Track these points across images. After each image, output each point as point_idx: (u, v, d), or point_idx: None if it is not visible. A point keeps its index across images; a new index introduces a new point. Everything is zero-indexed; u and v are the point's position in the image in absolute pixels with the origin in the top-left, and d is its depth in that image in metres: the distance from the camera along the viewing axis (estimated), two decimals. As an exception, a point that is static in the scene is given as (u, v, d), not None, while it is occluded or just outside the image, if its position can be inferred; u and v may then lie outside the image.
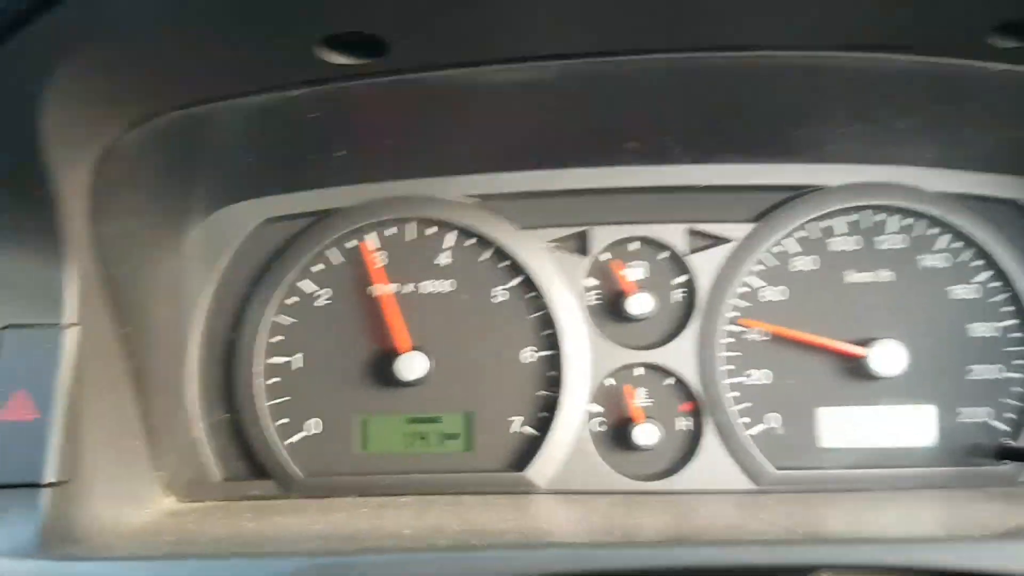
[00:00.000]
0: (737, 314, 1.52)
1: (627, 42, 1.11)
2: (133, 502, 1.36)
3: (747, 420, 1.49)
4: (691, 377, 1.50)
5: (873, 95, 1.23)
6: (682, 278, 1.54)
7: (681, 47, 1.12)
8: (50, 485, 1.17)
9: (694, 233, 1.54)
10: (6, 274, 1.23)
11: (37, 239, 1.22)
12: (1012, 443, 1.46)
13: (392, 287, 1.55)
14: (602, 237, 1.55)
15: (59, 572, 1.10)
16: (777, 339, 1.51)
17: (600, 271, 1.56)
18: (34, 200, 1.18)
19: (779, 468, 1.47)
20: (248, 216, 1.56)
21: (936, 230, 1.53)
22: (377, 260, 1.56)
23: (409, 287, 1.56)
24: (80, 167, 1.19)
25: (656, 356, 1.51)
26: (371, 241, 1.57)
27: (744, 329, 1.52)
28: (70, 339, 1.23)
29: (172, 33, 1.01)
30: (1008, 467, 1.45)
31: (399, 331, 1.52)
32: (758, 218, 1.53)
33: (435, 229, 1.57)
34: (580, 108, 1.29)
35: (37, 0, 0.92)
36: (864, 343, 1.48)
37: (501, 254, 1.55)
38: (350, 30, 1.02)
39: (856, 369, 1.49)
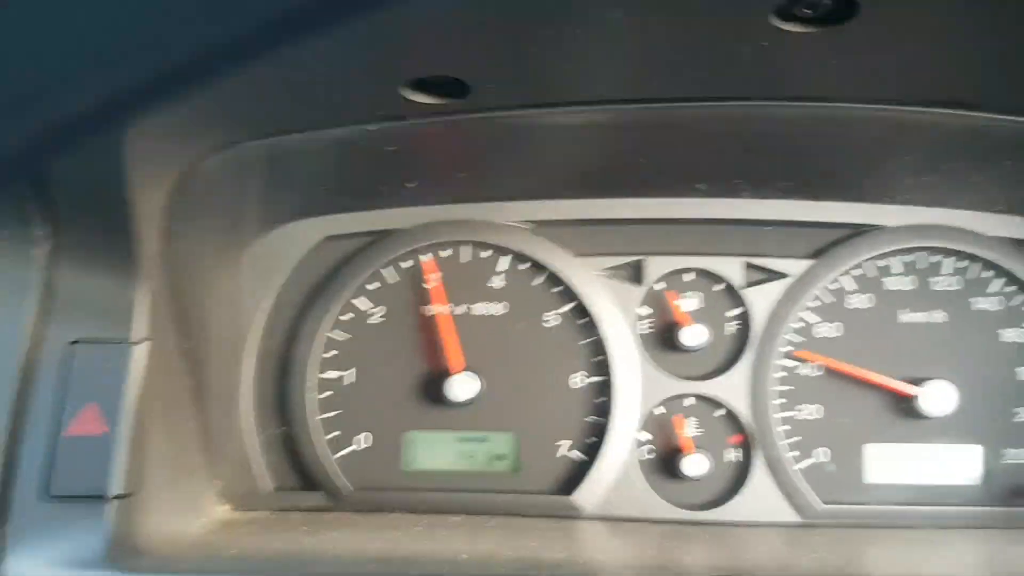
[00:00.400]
0: (791, 348, 1.53)
1: (700, 90, 1.12)
2: (191, 512, 1.39)
3: (796, 454, 1.50)
4: (742, 410, 1.51)
5: (947, 149, 1.24)
6: (737, 311, 1.55)
7: (755, 97, 1.13)
8: (117, 497, 1.20)
9: (751, 267, 1.55)
10: (77, 290, 1.26)
11: (111, 257, 1.24)
12: (1056, 487, 1.47)
13: (447, 307, 1.57)
14: (657, 267, 1.56)
15: (127, 584, 1.13)
16: (829, 375, 1.52)
17: (654, 300, 1.57)
18: (111, 220, 1.20)
19: (826, 503, 1.48)
20: (309, 233, 1.58)
21: (990, 273, 1.53)
22: (434, 279, 1.58)
23: (462, 308, 1.58)
24: (158, 189, 1.21)
25: (707, 387, 1.53)
26: (428, 261, 1.58)
27: (797, 363, 1.53)
28: (139, 354, 1.26)
29: (261, 69, 1.02)
30: (1050, 510, 1.46)
31: (453, 351, 1.53)
32: (816, 255, 1.54)
33: (490, 252, 1.59)
34: (648, 149, 1.30)
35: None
36: (915, 382, 1.49)
37: (555, 279, 1.56)
38: (436, 74, 1.04)
39: (906, 408, 1.50)
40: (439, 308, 1.57)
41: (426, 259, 1.58)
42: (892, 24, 0.92)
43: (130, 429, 1.23)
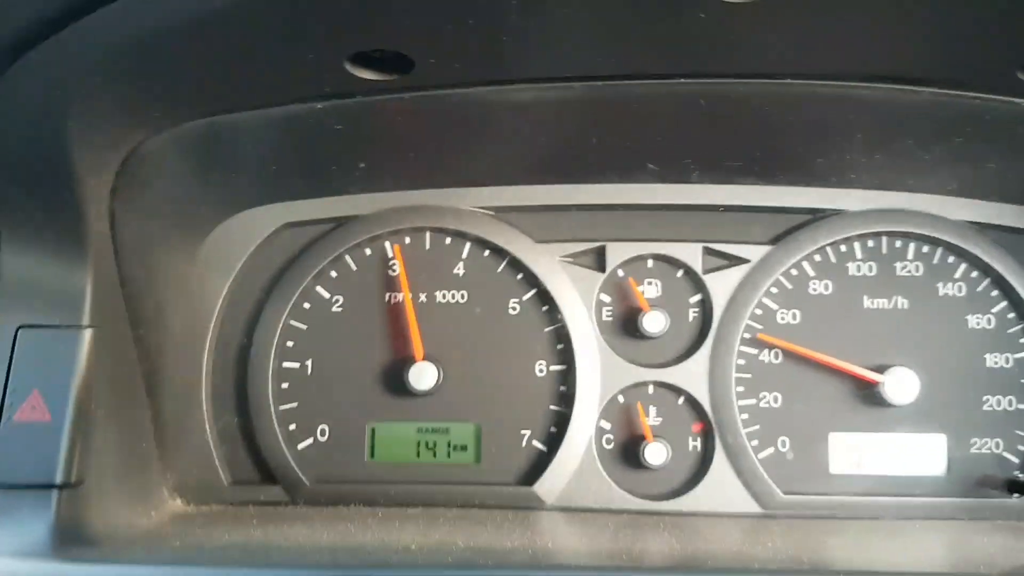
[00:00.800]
0: (752, 335, 1.51)
1: (649, 66, 1.11)
2: (142, 504, 1.36)
3: (756, 443, 1.49)
4: (703, 397, 1.49)
5: (896, 127, 1.23)
6: (697, 297, 1.54)
7: (704, 74, 1.12)
8: (62, 486, 1.18)
9: (710, 252, 1.54)
10: (22, 274, 1.24)
11: (56, 240, 1.23)
12: (1023, 477, 1.46)
13: (408, 294, 1.56)
14: (618, 253, 1.54)
15: (70, 574, 1.11)
16: (789, 363, 1.51)
17: (615, 287, 1.56)
18: (56, 202, 1.18)
19: (787, 493, 1.46)
20: (267, 220, 1.56)
21: (954, 258, 1.52)
22: (395, 266, 1.56)
23: (423, 296, 1.56)
24: (104, 171, 1.20)
25: (668, 375, 1.51)
26: (388, 249, 1.57)
27: (757, 351, 1.51)
28: (85, 341, 1.24)
29: (202, 45, 1.01)
30: (1018, 501, 1.44)
31: (416, 338, 1.52)
32: (776, 240, 1.53)
33: (451, 240, 1.57)
34: (600, 128, 1.29)
35: (69, 7, 0.92)
36: (878, 370, 1.47)
37: (516, 266, 1.55)
38: (379, 47, 1.02)
39: (868, 396, 1.48)
40: (401, 295, 1.56)
41: (389, 245, 1.57)
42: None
43: (76, 417, 1.21)
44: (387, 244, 1.58)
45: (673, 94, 1.15)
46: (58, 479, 1.18)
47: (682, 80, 1.11)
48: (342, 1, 0.93)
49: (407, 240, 1.58)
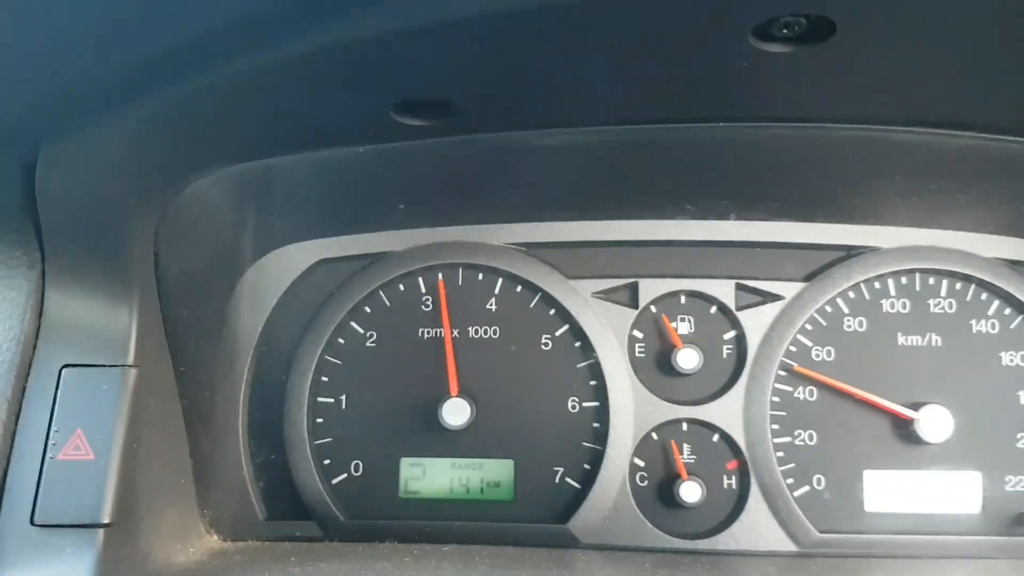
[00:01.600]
0: (785, 373, 1.51)
1: (686, 112, 1.12)
2: (180, 540, 1.37)
3: (791, 481, 1.48)
4: (738, 435, 1.49)
5: (933, 170, 1.23)
6: (731, 333, 1.54)
7: (740, 118, 1.13)
8: (105, 526, 1.19)
9: (744, 288, 1.54)
10: (67, 314, 1.26)
11: (101, 282, 1.25)
12: (1059, 515, 1.45)
13: (434, 332, 1.57)
14: (651, 289, 1.55)
15: (112, 614, 1.12)
16: (824, 400, 1.51)
17: (648, 324, 1.56)
18: (103, 244, 1.20)
19: (822, 531, 1.45)
20: (301, 257, 1.58)
21: (987, 295, 1.52)
22: (431, 302, 1.57)
23: (456, 332, 1.57)
24: (149, 214, 1.22)
25: (702, 412, 1.51)
26: (421, 284, 1.58)
27: (792, 388, 1.51)
28: (129, 380, 1.25)
29: (253, 98, 1.03)
30: (1054, 538, 1.43)
31: (452, 374, 1.52)
32: (809, 277, 1.53)
33: (483, 275, 1.58)
34: (636, 170, 1.30)
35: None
36: (912, 407, 1.47)
37: (548, 302, 1.56)
38: (424, 97, 1.04)
39: (903, 434, 1.48)
40: (436, 331, 1.57)
41: (423, 281, 1.58)
42: (870, 43, 0.92)
43: (119, 456, 1.22)
44: (420, 280, 1.59)
45: (710, 138, 1.16)
46: (102, 518, 1.19)
47: (720, 124, 1.12)
48: (390, 54, 0.95)
49: (440, 276, 1.59)
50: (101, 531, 1.19)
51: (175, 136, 1.08)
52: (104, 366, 1.25)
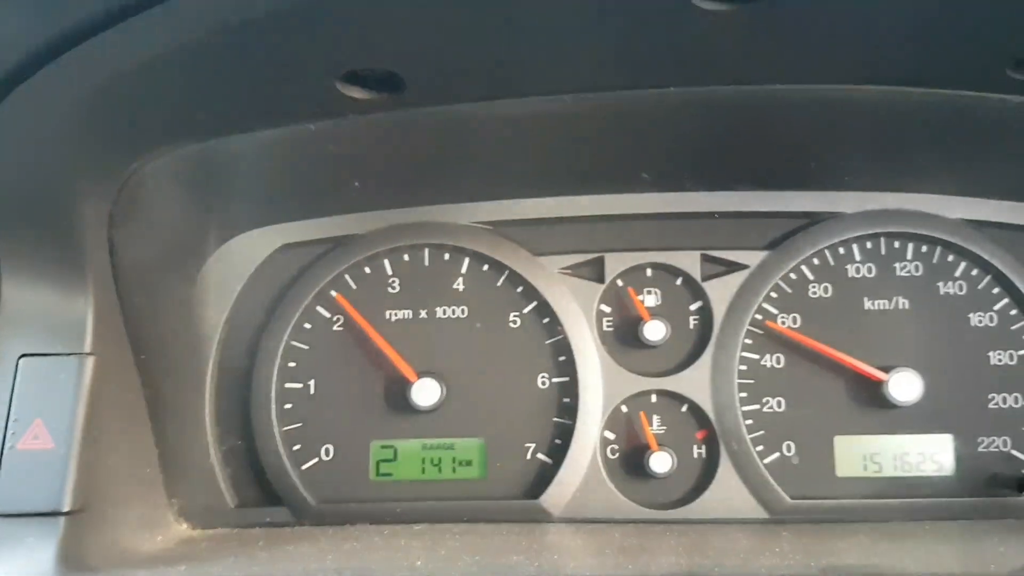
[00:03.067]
0: (751, 342, 1.51)
1: (638, 78, 1.12)
2: (147, 529, 1.36)
3: (761, 449, 1.48)
4: (706, 404, 1.49)
5: (891, 128, 1.23)
6: (697, 304, 1.54)
7: (696, 82, 1.12)
8: (67, 514, 1.18)
9: (709, 259, 1.54)
10: (23, 303, 1.25)
11: (55, 269, 1.23)
12: (1033, 474, 1.45)
13: (403, 314, 1.56)
14: (617, 263, 1.54)
15: (74, 602, 1.11)
16: (792, 367, 1.50)
17: (615, 297, 1.56)
18: (55, 231, 1.19)
19: (794, 497, 1.45)
20: (264, 243, 1.57)
21: (953, 257, 1.52)
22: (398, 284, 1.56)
23: (424, 313, 1.56)
24: (101, 197, 1.20)
25: (671, 383, 1.51)
26: (387, 267, 1.57)
27: (759, 357, 1.51)
28: (87, 368, 1.24)
29: (194, 72, 1.02)
30: (1029, 498, 1.43)
31: (409, 358, 1.52)
32: (773, 245, 1.53)
33: (449, 255, 1.57)
34: (593, 140, 1.30)
35: (65, 38, 0.93)
36: (882, 371, 1.46)
37: (515, 280, 1.55)
38: (369, 67, 1.03)
39: (872, 397, 1.47)
40: (404, 312, 1.56)
41: (388, 263, 1.57)
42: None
43: (79, 444, 1.22)
44: (386, 261, 1.58)
45: (663, 103, 1.16)
46: (63, 507, 1.18)
47: (672, 89, 1.11)
48: (333, 22, 0.94)
49: (406, 257, 1.58)
50: (63, 519, 1.18)
51: (119, 113, 1.07)
52: (61, 355, 1.24)
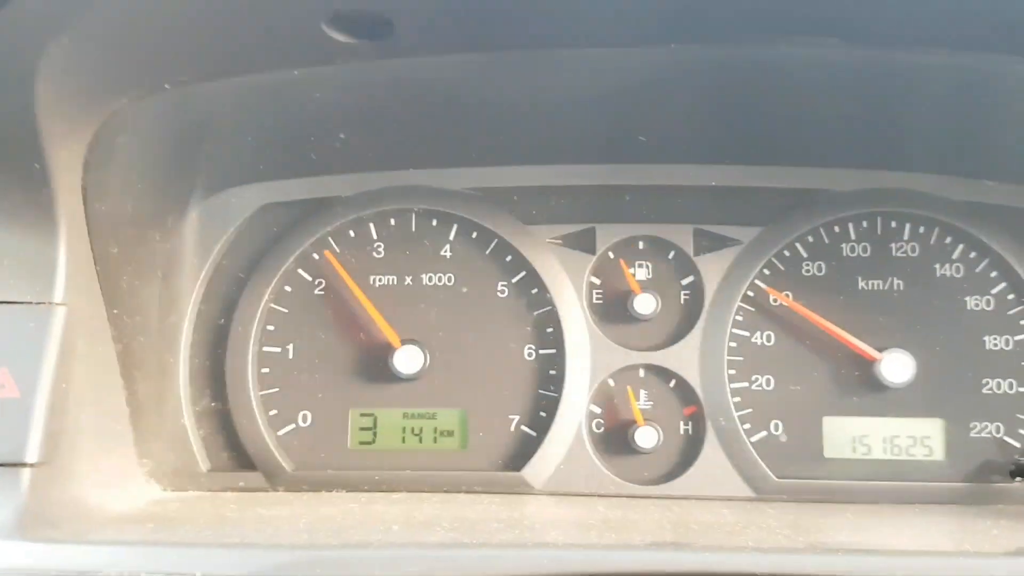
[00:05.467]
0: (742, 319, 1.48)
1: (641, 34, 1.08)
2: (115, 488, 1.32)
3: (748, 426, 1.45)
4: (694, 380, 1.46)
5: (894, 100, 1.19)
6: (689, 279, 1.51)
7: (701, 39, 1.08)
8: (31, 465, 1.14)
9: (702, 234, 1.50)
10: (-7, 249, 1.21)
11: (27, 214, 1.19)
12: (1025, 460, 1.42)
13: (387, 280, 1.52)
14: (609, 235, 1.51)
15: (38, 555, 1.06)
16: (783, 345, 1.48)
17: (605, 270, 1.52)
18: (27, 173, 1.15)
19: (780, 477, 1.42)
20: (247, 200, 1.53)
21: (951, 239, 1.49)
22: (383, 249, 1.53)
23: (409, 279, 1.53)
24: (75, 141, 1.16)
25: (659, 358, 1.48)
26: (373, 231, 1.53)
27: (749, 334, 1.48)
28: (57, 318, 1.20)
29: (175, 6, 0.98)
30: (1020, 485, 1.40)
31: (392, 325, 1.48)
32: (767, 221, 1.50)
33: (437, 221, 1.54)
34: (590, 101, 1.25)
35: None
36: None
37: (504, 248, 1.52)
38: (357, 7, 0.99)
39: (863, 378, 1.45)
40: (389, 278, 1.52)
41: (374, 227, 1.53)
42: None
43: (46, 395, 1.17)
44: (372, 225, 1.54)
45: (662, 62, 1.12)
46: (27, 458, 1.14)
47: (673, 46, 1.07)
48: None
49: (392, 221, 1.54)
50: (27, 470, 1.14)
51: (95, 52, 1.03)
52: (30, 303, 1.20)
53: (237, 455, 1.50)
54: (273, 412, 1.50)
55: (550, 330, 1.50)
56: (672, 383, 1.48)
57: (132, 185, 1.31)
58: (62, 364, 1.19)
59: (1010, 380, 1.45)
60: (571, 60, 1.14)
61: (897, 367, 1.42)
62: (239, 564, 1.03)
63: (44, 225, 1.19)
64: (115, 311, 1.32)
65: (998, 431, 1.45)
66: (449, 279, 1.53)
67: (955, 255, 1.49)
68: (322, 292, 1.53)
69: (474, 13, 1.04)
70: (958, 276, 1.48)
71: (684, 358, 1.47)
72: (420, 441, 1.50)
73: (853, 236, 1.49)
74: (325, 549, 1.03)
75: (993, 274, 1.48)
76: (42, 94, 1.06)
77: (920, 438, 1.45)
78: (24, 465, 1.14)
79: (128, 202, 1.32)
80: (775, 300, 1.48)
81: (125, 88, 1.14)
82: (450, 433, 1.50)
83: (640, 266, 1.52)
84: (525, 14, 1.05)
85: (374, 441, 1.50)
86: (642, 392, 1.49)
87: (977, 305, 1.48)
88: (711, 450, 1.44)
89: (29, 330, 1.19)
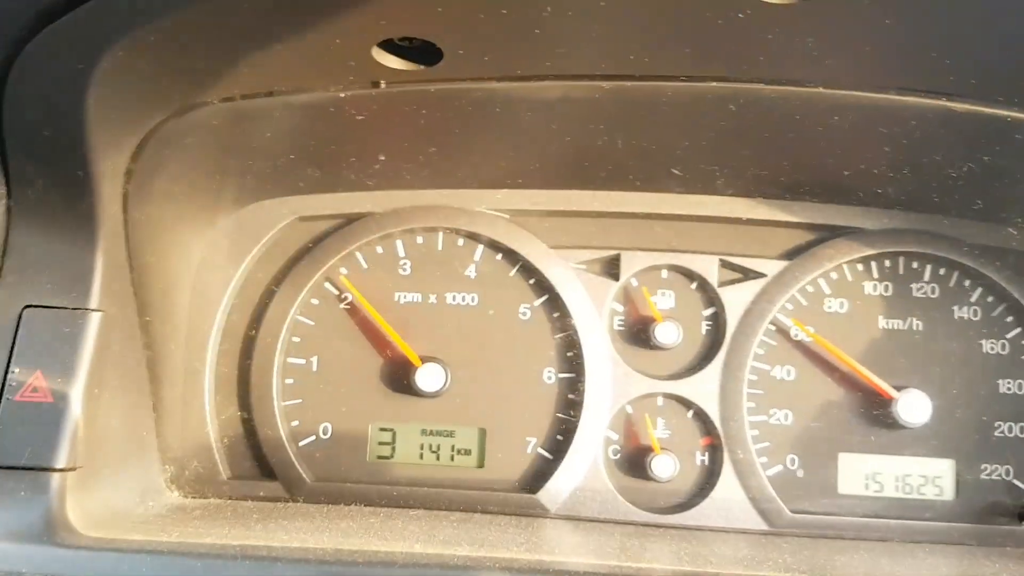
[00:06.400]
0: (763, 352, 1.50)
1: (681, 67, 1.10)
2: (139, 493, 1.34)
3: (765, 460, 1.47)
4: (713, 411, 1.47)
5: (924, 140, 1.21)
6: (711, 310, 1.53)
7: (736, 78, 1.11)
8: (60, 470, 1.16)
9: (727, 265, 1.52)
10: (31, 252, 1.22)
11: (68, 220, 1.21)
12: (1034, 504, 1.44)
13: (412, 297, 1.54)
14: (633, 262, 1.53)
15: (64, 560, 1.08)
16: (803, 380, 1.49)
17: (628, 296, 1.54)
18: (70, 180, 1.16)
19: (794, 511, 1.44)
20: (279, 213, 1.55)
21: (970, 282, 1.51)
22: (409, 266, 1.55)
23: (433, 297, 1.54)
24: (121, 150, 1.18)
25: (679, 387, 1.49)
26: (400, 248, 1.55)
27: (769, 367, 1.49)
28: (92, 324, 1.22)
29: (231, 23, 0.99)
30: (1028, 529, 1.42)
31: (405, 349, 1.50)
32: (792, 255, 1.51)
33: (464, 241, 1.56)
34: (627, 129, 1.27)
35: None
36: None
37: (529, 271, 1.53)
38: (409, 35, 1.01)
39: (880, 417, 1.46)
40: (413, 295, 1.54)
41: (401, 244, 1.55)
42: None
43: (79, 402, 1.19)
44: (399, 243, 1.56)
45: (703, 96, 1.14)
46: (57, 463, 1.16)
47: (713, 83, 1.10)
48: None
49: (419, 239, 1.56)
50: (56, 475, 1.15)
51: (149, 65, 1.04)
52: (67, 308, 1.22)
53: (258, 464, 1.51)
54: (295, 423, 1.51)
55: (571, 354, 1.51)
56: (690, 413, 1.50)
57: (171, 195, 1.33)
58: (95, 369, 1.21)
59: (1021, 424, 1.47)
60: (611, 91, 1.16)
61: (914, 407, 1.44)
62: (268, 577, 1.05)
63: (83, 232, 1.21)
64: (147, 318, 1.34)
65: (1008, 474, 1.46)
66: (473, 299, 1.55)
67: (973, 298, 1.51)
68: (348, 307, 1.55)
69: (521, 43, 1.06)
70: (975, 319, 1.50)
71: (703, 389, 1.48)
72: (437, 458, 1.51)
73: (876, 275, 1.51)
74: (353, 565, 1.05)
75: (1009, 319, 1.50)
76: (93, 102, 1.08)
77: (931, 477, 1.47)
78: (53, 470, 1.15)
79: (166, 211, 1.34)
80: (797, 335, 1.50)
81: (173, 101, 1.15)
82: (467, 452, 1.51)
83: (663, 294, 1.54)
84: (571, 44, 1.06)
85: (392, 456, 1.51)
86: (660, 421, 1.50)
87: (992, 348, 1.50)
88: (727, 482, 1.45)
89: (64, 335, 1.21)
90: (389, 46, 1.07)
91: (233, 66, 1.10)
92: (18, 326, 1.21)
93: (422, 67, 1.09)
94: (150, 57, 1.04)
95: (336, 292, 1.55)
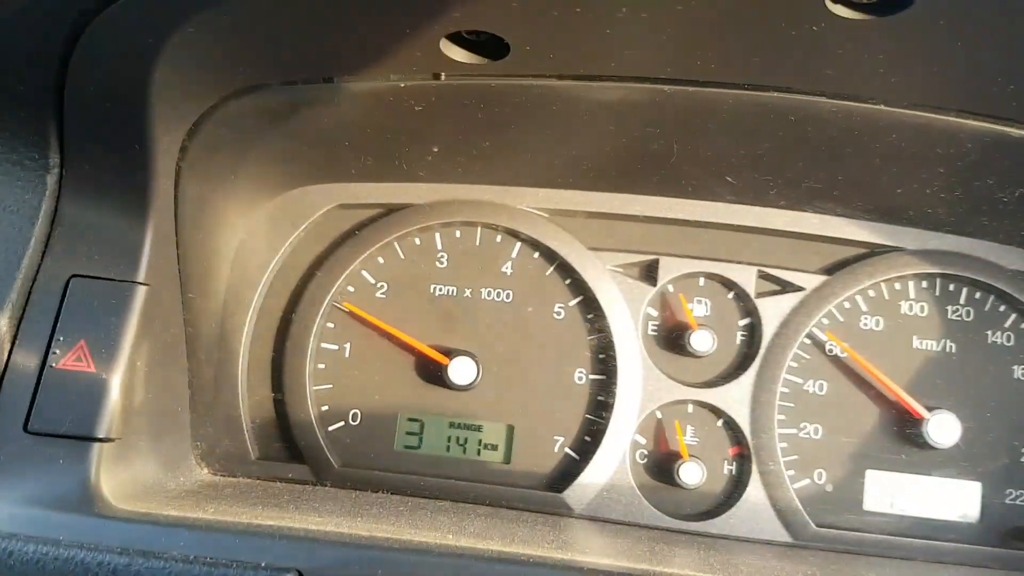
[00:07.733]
0: (797, 365, 1.50)
1: (742, 75, 1.10)
2: (170, 468, 1.34)
3: (793, 473, 1.47)
4: (743, 422, 1.48)
5: (980, 162, 1.22)
6: (747, 320, 1.53)
7: (796, 88, 1.11)
8: (100, 440, 1.16)
9: (765, 277, 1.53)
10: (80, 221, 1.22)
11: (120, 192, 1.22)
12: (1057, 532, 1.44)
13: (447, 290, 1.55)
14: (671, 268, 1.53)
15: (102, 530, 1.08)
16: (835, 395, 1.49)
17: (664, 302, 1.54)
18: (127, 153, 1.17)
19: (819, 525, 1.44)
20: (322, 199, 1.55)
21: (1005, 307, 1.51)
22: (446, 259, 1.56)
23: (468, 291, 1.55)
24: (178, 126, 1.19)
25: (710, 395, 1.49)
26: (438, 240, 1.56)
27: (802, 381, 1.50)
28: (138, 297, 1.22)
29: (301, 9, 1.00)
30: (1050, 554, 1.43)
31: (430, 353, 1.51)
32: (831, 270, 1.52)
33: (502, 237, 1.56)
34: (685, 133, 1.28)
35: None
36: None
37: (565, 271, 1.54)
38: (480, 29, 1.02)
39: (909, 436, 1.47)
40: (448, 288, 1.55)
41: (439, 237, 1.56)
42: (944, 21, 0.91)
43: (121, 372, 1.19)
44: (437, 235, 1.56)
45: (764, 106, 1.14)
46: (98, 432, 1.16)
47: (775, 93, 1.10)
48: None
49: (457, 233, 1.57)
50: (96, 445, 1.16)
51: (216, 44, 1.05)
52: (114, 280, 1.22)
53: (287, 446, 1.52)
54: (325, 408, 1.52)
55: (603, 356, 1.52)
56: (720, 422, 1.50)
57: (221, 174, 1.34)
58: (138, 342, 1.22)
59: None
60: (672, 95, 1.17)
61: (944, 429, 1.44)
62: (305, 557, 1.05)
63: (134, 205, 1.22)
64: (190, 295, 1.34)
65: None
66: (507, 295, 1.55)
67: (1007, 323, 1.51)
68: (384, 296, 1.55)
69: (590, 41, 1.06)
70: (1008, 344, 1.51)
71: (735, 399, 1.49)
72: (464, 452, 1.52)
73: (913, 295, 1.52)
74: (394, 551, 1.06)
75: (1042, 347, 1.50)
76: (158, 77, 1.08)
77: (957, 500, 1.47)
78: (94, 439, 1.16)
79: (216, 190, 1.35)
80: (831, 349, 1.50)
81: (235, 81, 1.16)
82: (494, 447, 1.52)
83: (699, 302, 1.54)
84: (638, 45, 1.07)
85: (419, 447, 1.52)
86: (689, 428, 1.51)
87: None
88: (754, 492, 1.45)
89: (110, 306, 1.21)
90: (456, 38, 1.07)
91: (298, 50, 1.11)
92: (64, 295, 1.21)
93: (487, 61, 1.10)
94: (219, 37, 1.05)
95: (373, 281, 1.55)
